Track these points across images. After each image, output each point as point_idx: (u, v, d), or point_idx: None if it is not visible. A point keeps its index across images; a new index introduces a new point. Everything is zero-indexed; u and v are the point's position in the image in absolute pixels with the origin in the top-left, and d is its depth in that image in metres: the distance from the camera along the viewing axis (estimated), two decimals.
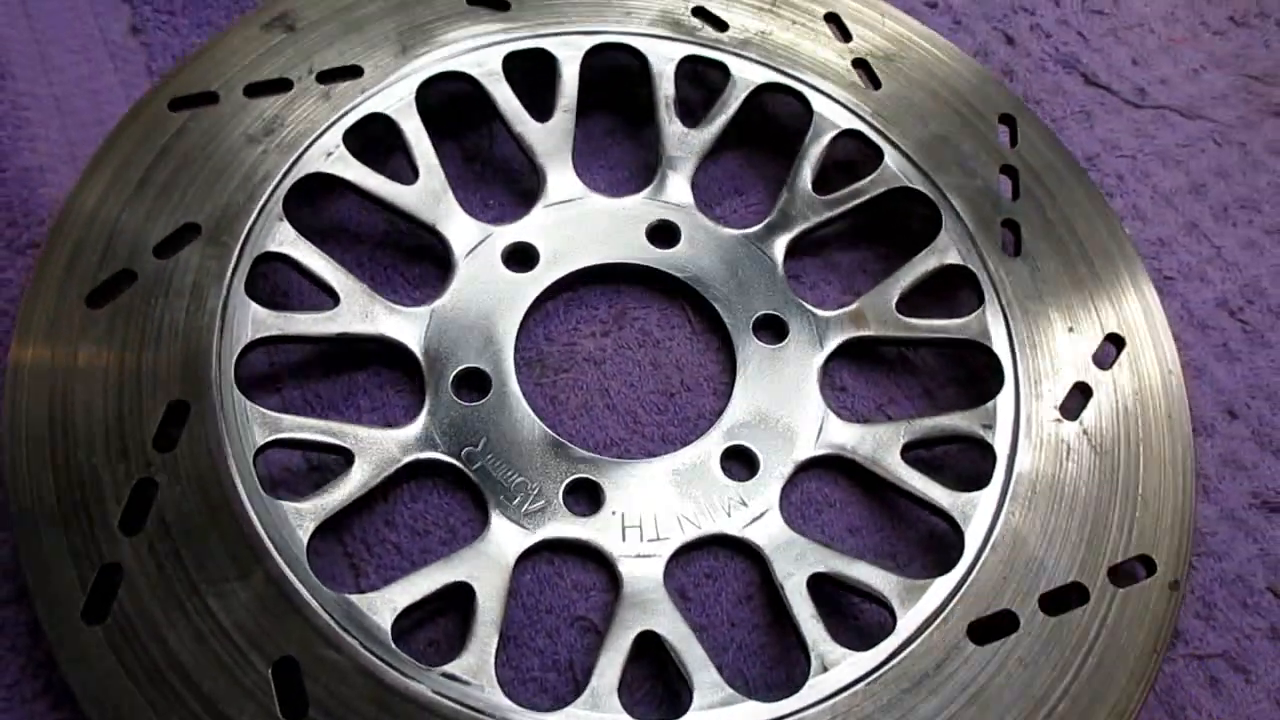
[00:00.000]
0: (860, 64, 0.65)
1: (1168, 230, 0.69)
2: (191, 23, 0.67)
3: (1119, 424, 0.55)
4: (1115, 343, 0.57)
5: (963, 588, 0.50)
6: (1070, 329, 0.57)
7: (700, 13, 0.65)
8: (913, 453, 0.55)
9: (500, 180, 0.64)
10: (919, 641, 0.48)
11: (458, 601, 0.49)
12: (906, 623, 0.49)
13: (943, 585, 0.50)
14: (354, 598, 0.47)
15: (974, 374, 0.60)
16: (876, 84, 0.64)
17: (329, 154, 0.57)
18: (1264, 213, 0.71)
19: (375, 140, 0.59)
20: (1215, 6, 0.81)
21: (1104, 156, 0.72)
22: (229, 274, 0.52)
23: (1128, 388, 0.56)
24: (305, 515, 0.48)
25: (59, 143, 0.61)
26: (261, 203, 0.55)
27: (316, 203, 0.59)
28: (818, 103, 0.63)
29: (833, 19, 0.66)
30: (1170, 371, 0.57)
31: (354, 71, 0.59)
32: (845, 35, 0.66)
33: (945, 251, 0.59)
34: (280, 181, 0.55)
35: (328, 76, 0.58)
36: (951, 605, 0.49)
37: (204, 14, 0.67)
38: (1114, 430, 0.54)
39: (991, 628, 0.49)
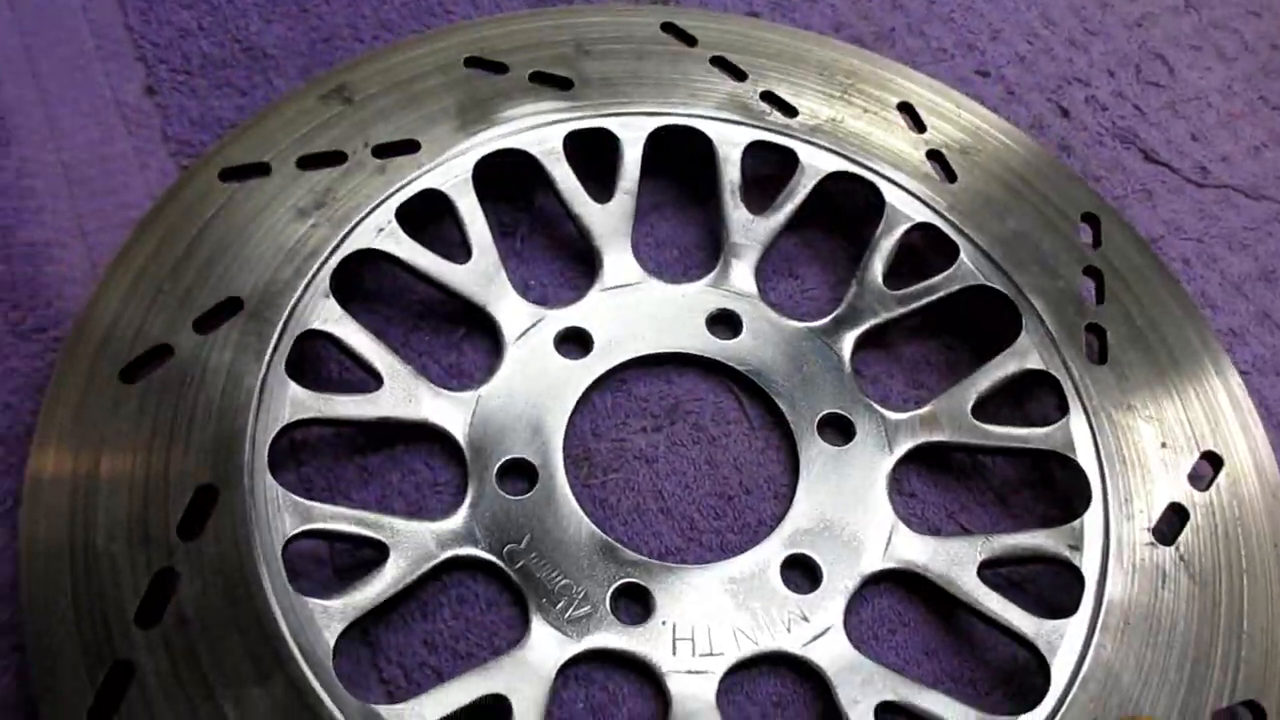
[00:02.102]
0: (935, 155, 0.62)
1: (1239, 320, 0.66)
2: (210, 84, 0.63)
3: (1219, 551, 0.50)
4: (1212, 461, 0.53)
5: None
6: (1163, 444, 0.53)
7: (769, 97, 0.62)
8: (991, 571, 0.51)
9: (543, 258, 0.61)
10: None
11: (492, 715, 0.45)
12: None
13: None
14: (381, 709, 0.43)
15: (1049, 480, 0.56)
16: (952, 177, 0.61)
17: (380, 229, 0.55)
18: None
19: (425, 212, 0.57)
20: (1273, 80, 0.79)
21: (1169, 239, 0.69)
22: (269, 352, 0.50)
23: (1228, 511, 0.51)
24: (333, 615, 0.45)
25: (67, 215, 0.57)
26: (308, 278, 0.52)
27: (364, 276, 0.57)
28: (890, 194, 0.60)
29: (906, 108, 0.64)
30: (1275, 495, 0.52)
31: (410, 146, 0.57)
32: (919, 125, 0.63)
33: (1026, 355, 0.56)
34: (328, 257, 0.53)
35: (383, 150, 0.57)
36: None
37: (223, 74, 0.64)
38: (1214, 557, 0.50)
39: None
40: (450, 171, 0.57)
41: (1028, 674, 0.49)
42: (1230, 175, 0.73)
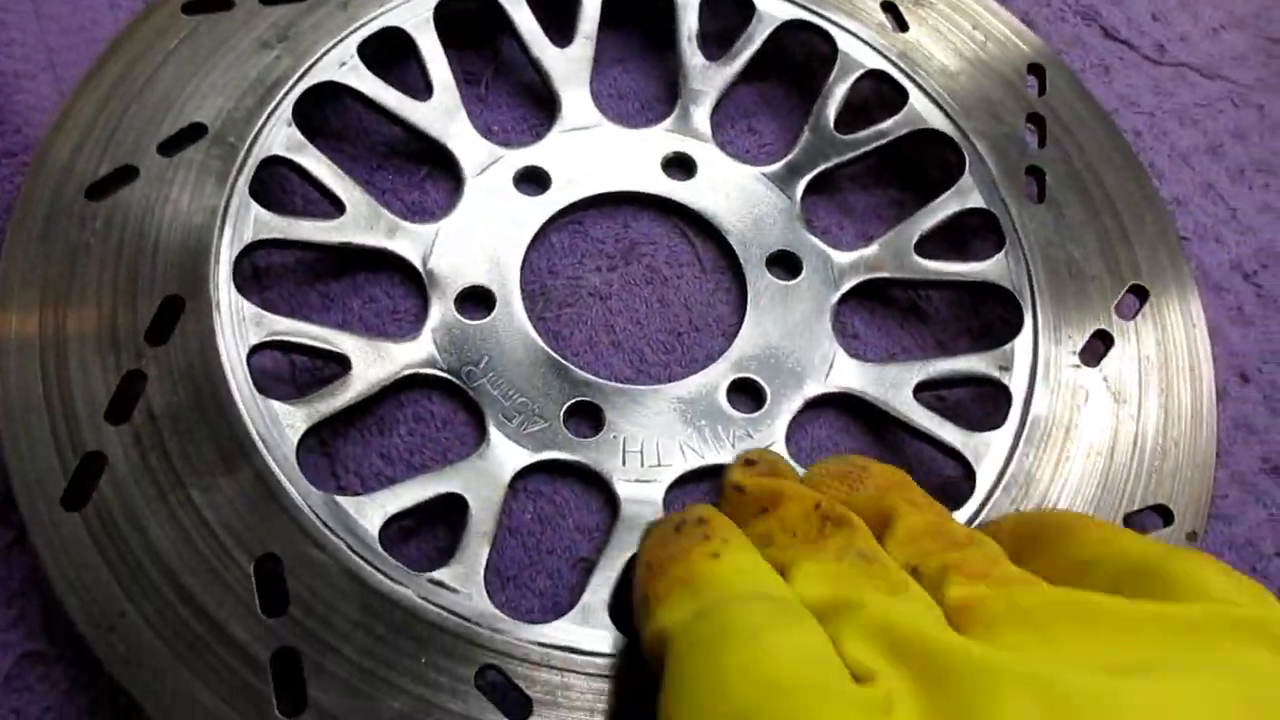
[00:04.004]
0: (888, 7, 0.63)
1: (1184, 190, 0.68)
2: None
3: (1140, 374, 0.53)
4: (1138, 294, 0.56)
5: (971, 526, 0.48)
6: (1093, 277, 0.55)
7: None
8: (925, 394, 0.53)
9: (506, 103, 0.63)
10: None
11: (449, 514, 0.48)
12: None
13: None
14: (342, 500, 0.45)
15: (988, 327, 0.59)
16: (904, 26, 0.63)
17: (342, 64, 0.56)
18: None
19: (386, 52, 0.58)
20: None
21: (1122, 112, 0.71)
22: (233, 174, 0.51)
23: (1150, 338, 0.54)
24: (297, 416, 0.47)
25: (36, 48, 0.59)
26: (271, 107, 0.53)
27: (325, 111, 0.58)
28: (844, 41, 0.61)
29: None
30: (1194, 325, 0.55)
31: None
32: None
33: (968, 194, 0.58)
34: (291, 88, 0.54)
35: None
36: None
37: None
38: (1135, 380, 0.53)
39: None
40: (412, 10, 0.58)
41: (956, 485, 0.51)
42: (1187, 54, 0.75)
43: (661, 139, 0.60)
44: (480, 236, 0.55)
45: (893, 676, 0.33)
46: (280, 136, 0.53)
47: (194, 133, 0.52)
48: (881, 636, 0.34)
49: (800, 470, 0.46)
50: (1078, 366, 0.53)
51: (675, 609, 0.37)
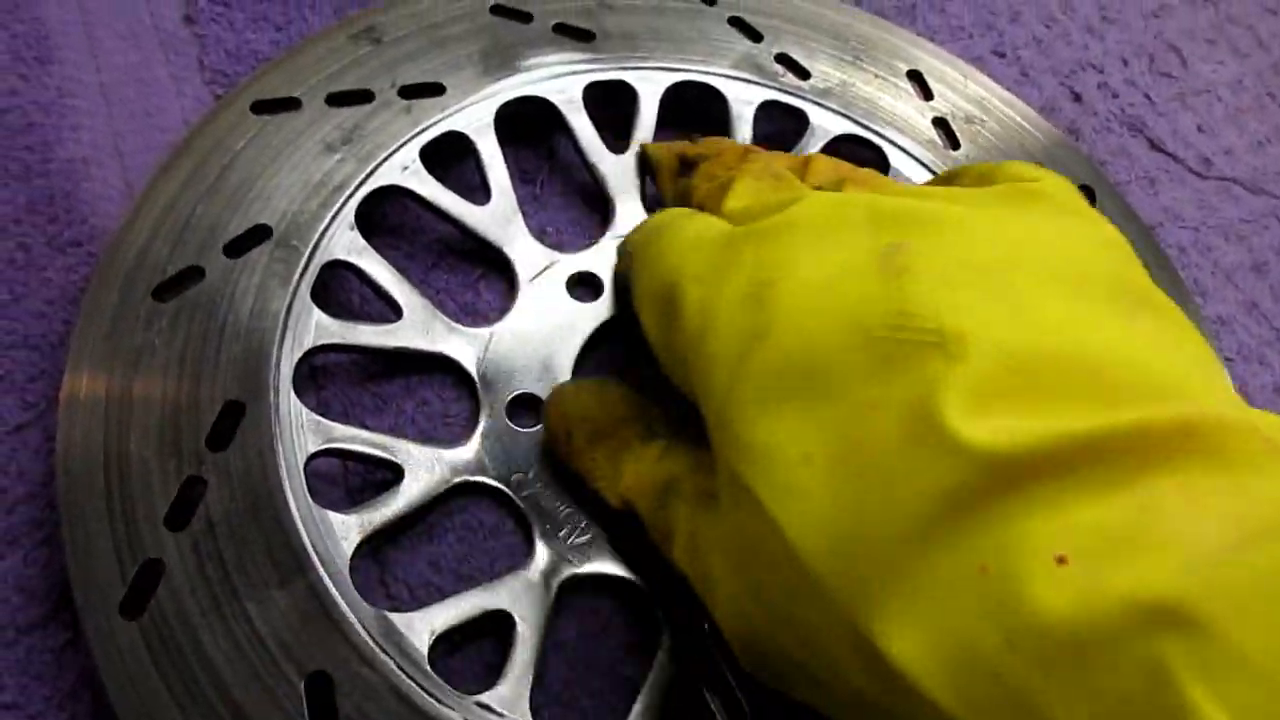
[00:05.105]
0: (940, 123, 0.64)
1: (1228, 309, 0.68)
2: (247, 17, 0.65)
3: None
4: None
5: None
6: None
7: (783, 59, 0.64)
8: None
9: (560, 203, 0.64)
10: None
11: (496, 629, 0.48)
12: None
13: None
14: (393, 616, 0.46)
15: None
16: (955, 144, 0.63)
17: (405, 168, 0.57)
18: None
19: (447, 154, 0.59)
20: None
21: (1167, 226, 0.71)
22: (296, 278, 0.52)
23: None
24: (351, 527, 0.47)
25: (104, 134, 0.59)
26: (334, 211, 0.54)
27: (386, 214, 0.59)
28: (895, 158, 0.62)
29: (915, 76, 0.66)
30: None
31: (436, 89, 0.59)
32: (927, 93, 0.65)
33: None
34: (354, 191, 0.55)
35: (410, 92, 0.59)
36: None
37: (259, 7, 0.65)
38: None
39: None
40: (473, 115, 0.59)
41: None
42: (1232, 168, 0.76)
43: None
44: (533, 342, 0.56)
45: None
46: (343, 240, 0.54)
47: (259, 234, 0.53)
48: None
49: None
50: None
51: (635, 233, 0.53)
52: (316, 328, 0.52)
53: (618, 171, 0.61)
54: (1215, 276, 0.70)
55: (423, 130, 0.58)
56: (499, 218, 0.58)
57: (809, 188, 0.47)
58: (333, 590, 0.45)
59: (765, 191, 0.47)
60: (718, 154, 0.53)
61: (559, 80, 0.61)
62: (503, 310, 0.57)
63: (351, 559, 0.47)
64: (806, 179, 0.49)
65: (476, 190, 0.59)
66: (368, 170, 0.56)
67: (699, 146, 0.56)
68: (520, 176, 0.63)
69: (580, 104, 0.61)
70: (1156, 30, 0.82)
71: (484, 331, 0.56)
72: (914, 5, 0.78)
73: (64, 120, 0.58)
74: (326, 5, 0.66)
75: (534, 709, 0.45)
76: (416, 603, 0.49)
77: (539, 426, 0.53)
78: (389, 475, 0.51)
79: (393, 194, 0.57)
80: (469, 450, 0.52)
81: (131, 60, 0.61)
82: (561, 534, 0.51)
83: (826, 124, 0.63)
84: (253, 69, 0.62)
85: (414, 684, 0.44)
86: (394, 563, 0.51)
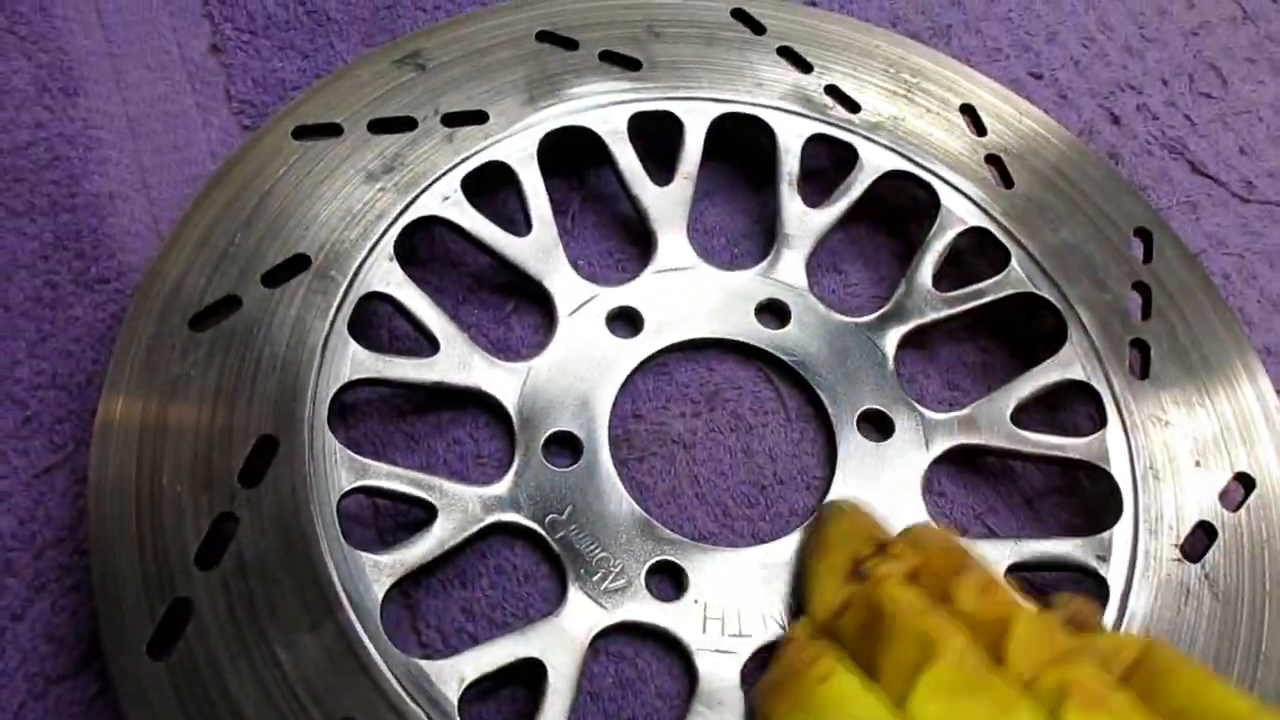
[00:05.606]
0: (993, 160, 0.62)
1: (1275, 339, 0.66)
2: (273, 45, 0.64)
3: (1244, 572, 0.51)
4: (1244, 482, 0.54)
5: None
6: (1197, 463, 0.54)
7: (833, 91, 0.63)
8: (1018, 575, 0.52)
9: (593, 235, 0.62)
10: None
11: (527, 677, 0.47)
12: None
13: None
14: (423, 664, 0.45)
15: (1077, 488, 0.57)
16: (1009, 182, 0.62)
17: (445, 198, 0.56)
18: None
19: (486, 183, 0.58)
20: None
21: (1211, 253, 0.69)
22: (334, 310, 0.51)
23: (1256, 533, 0.52)
24: (383, 569, 0.47)
25: (131, 168, 0.58)
26: (373, 241, 0.54)
27: (417, 243, 0.58)
28: (946, 195, 0.61)
29: (968, 110, 0.64)
30: None
31: (479, 117, 0.58)
32: (980, 129, 0.64)
33: (1069, 365, 0.56)
34: (394, 222, 0.54)
35: (453, 120, 0.58)
36: None
37: (286, 35, 0.65)
38: (1238, 578, 0.51)
39: None
40: (516, 145, 0.58)
41: None
42: (1276, 191, 0.73)
43: (755, 283, 0.59)
44: (571, 378, 0.55)
45: None
46: (381, 272, 0.53)
47: (298, 264, 0.52)
48: None
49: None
50: (1179, 561, 0.51)
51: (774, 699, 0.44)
52: (353, 361, 0.51)
53: (661, 204, 0.60)
54: (1261, 306, 0.67)
55: (465, 159, 0.57)
56: (539, 250, 0.57)
57: (1018, 686, 0.41)
58: (362, 635, 0.44)
59: (964, 701, 0.40)
60: (920, 545, 0.47)
61: (604, 110, 0.60)
62: (538, 345, 0.56)
63: (382, 602, 0.46)
64: (1009, 658, 0.42)
65: (512, 221, 0.58)
66: (408, 200, 0.55)
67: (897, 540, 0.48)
68: (552, 208, 0.62)
69: (625, 134, 0.60)
70: (1196, 49, 0.80)
71: (522, 366, 0.55)
72: (949, 26, 0.76)
73: (90, 153, 0.57)
74: (354, 33, 0.65)
75: None
76: (449, 649, 0.48)
77: (574, 466, 0.52)
78: (421, 514, 0.50)
79: (431, 224, 0.56)
80: (503, 488, 0.51)
81: (158, 91, 0.60)
82: (595, 578, 0.50)
83: (876, 159, 0.62)
84: (280, 98, 0.62)
85: None
86: (426, 609, 0.50)
